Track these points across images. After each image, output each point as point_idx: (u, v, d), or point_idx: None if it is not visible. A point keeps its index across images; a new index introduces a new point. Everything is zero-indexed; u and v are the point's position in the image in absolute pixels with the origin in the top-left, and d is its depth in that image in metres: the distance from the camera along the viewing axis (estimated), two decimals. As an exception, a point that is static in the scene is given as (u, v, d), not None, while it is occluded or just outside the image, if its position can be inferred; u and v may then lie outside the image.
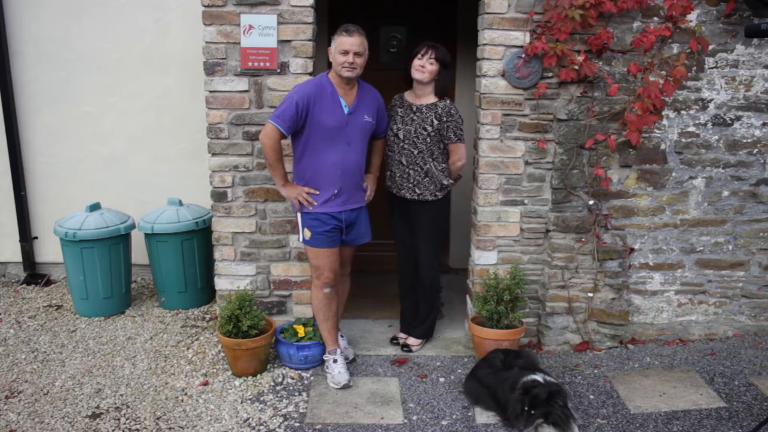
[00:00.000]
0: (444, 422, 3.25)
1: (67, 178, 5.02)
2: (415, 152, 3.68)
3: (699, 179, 3.99)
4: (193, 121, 4.76)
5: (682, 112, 3.91)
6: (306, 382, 3.63)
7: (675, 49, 3.78)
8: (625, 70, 3.73)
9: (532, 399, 3.03)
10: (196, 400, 3.42)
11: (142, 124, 4.93)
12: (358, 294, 4.43)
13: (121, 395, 3.46)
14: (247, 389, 3.54)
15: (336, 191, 3.49)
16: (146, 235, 4.54)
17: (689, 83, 3.85)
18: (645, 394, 3.50)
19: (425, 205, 3.75)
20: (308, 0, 3.62)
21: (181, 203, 4.63)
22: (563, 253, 3.91)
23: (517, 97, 3.75)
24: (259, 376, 3.67)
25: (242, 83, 3.71)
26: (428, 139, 3.66)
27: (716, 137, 3.95)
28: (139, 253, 4.80)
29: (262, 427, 3.18)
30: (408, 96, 3.77)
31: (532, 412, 3.02)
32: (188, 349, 4.01)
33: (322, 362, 3.71)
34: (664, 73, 3.71)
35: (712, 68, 3.86)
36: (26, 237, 5.08)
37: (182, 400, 3.42)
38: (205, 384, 3.59)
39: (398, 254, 4.01)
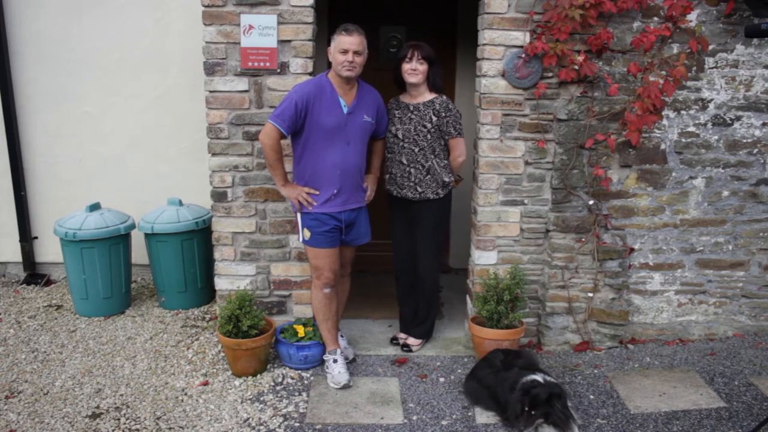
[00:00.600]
0: (444, 422, 3.25)
1: (67, 178, 5.03)
2: (416, 150, 3.68)
3: (699, 179, 3.99)
4: (193, 121, 4.76)
5: (682, 112, 3.91)
6: (306, 382, 3.63)
7: (675, 49, 3.78)
8: (625, 70, 3.73)
9: (532, 399, 3.03)
10: (196, 400, 3.42)
11: (142, 124, 4.93)
12: (358, 294, 4.44)
13: (121, 395, 3.47)
14: (247, 389, 3.54)
15: (336, 191, 3.49)
16: (146, 235, 4.54)
17: (689, 83, 3.85)
18: (645, 394, 3.50)
19: (427, 204, 3.75)
20: (308, 0, 3.62)
21: (181, 203, 4.63)
22: (563, 253, 3.91)
23: (517, 97, 3.75)
24: (259, 376, 3.67)
25: (242, 83, 3.71)
26: (428, 136, 3.66)
27: (716, 137, 3.95)
28: (139, 253, 4.80)
29: (262, 427, 3.18)
30: (404, 97, 3.77)
31: (532, 412, 3.02)
32: (188, 349, 4.01)
33: (322, 362, 3.72)
34: (664, 73, 3.71)
35: (712, 68, 3.86)
36: (26, 237, 5.08)
37: (182, 400, 3.42)
38: (205, 384, 3.59)
39: (396, 256, 4.00)
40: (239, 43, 3.65)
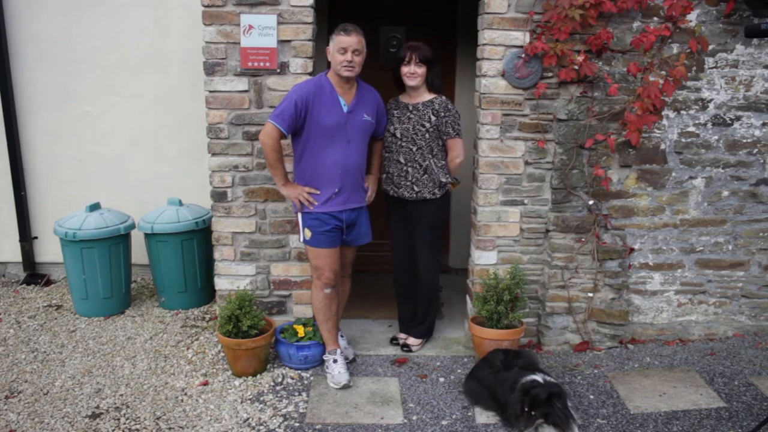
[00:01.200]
0: (444, 422, 3.25)
1: (67, 178, 5.03)
2: (414, 149, 3.68)
3: (699, 179, 3.99)
4: (193, 121, 4.76)
5: (682, 112, 3.91)
6: (306, 382, 3.63)
7: (675, 49, 3.78)
8: (625, 70, 3.73)
9: (532, 399, 3.03)
10: (196, 400, 3.42)
11: (142, 124, 4.93)
12: (358, 294, 4.43)
13: (121, 395, 3.47)
14: (247, 389, 3.54)
15: (336, 190, 3.49)
16: (146, 235, 4.54)
17: (689, 83, 3.85)
18: (645, 394, 3.50)
19: (424, 204, 3.75)
20: (308, 0, 3.62)
21: (181, 203, 4.63)
22: (563, 253, 3.91)
23: (517, 97, 3.75)
24: (259, 376, 3.67)
25: (242, 83, 3.71)
26: (427, 135, 3.66)
27: (716, 137, 3.95)
28: (139, 253, 4.80)
29: (262, 427, 3.18)
30: (403, 97, 3.78)
31: (532, 412, 3.02)
32: (188, 349, 4.01)
33: (322, 362, 3.71)
34: (664, 73, 3.71)
35: (712, 68, 3.86)
36: (26, 237, 5.08)
37: (182, 400, 3.42)
38: (205, 384, 3.59)
39: (395, 257, 4.00)
40: (239, 43, 3.65)
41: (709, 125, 3.93)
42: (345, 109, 3.45)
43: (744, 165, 3.99)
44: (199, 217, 4.60)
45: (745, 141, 3.96)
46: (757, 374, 3.71)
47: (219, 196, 3.86)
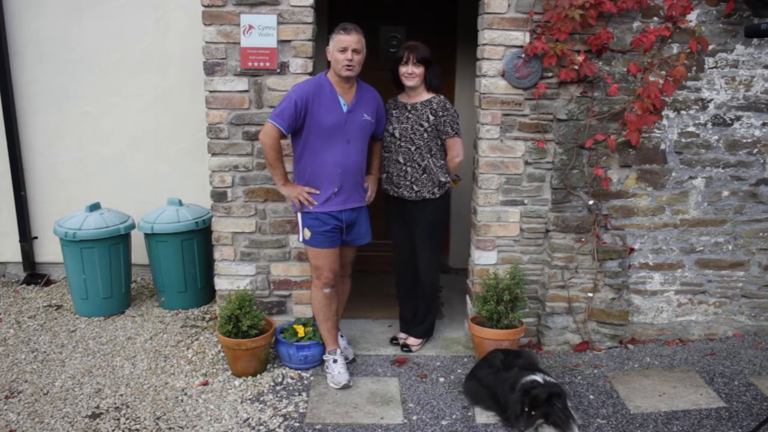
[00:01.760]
0: (444, 422, 3.25)
1: (67, 178, 5.03)
2: (413, 149, 3.68)
3: (699, 179, 3.99)
4: (193, 121, 4.76)
5: (682, 112, 3.91)
6: (306, 382, 3.63)
7: (675, 49, 3.78)
8: (625, 70, 3.73)
9: (532, 399, 3.03)
10: (196, 400, 3.42)
11: (142, 124, 4.93)
12: (358, 294, 4.43)
13: (121, 395, 3.47)
14: (247, 389, 3.54)
15: (336, 190, 3.49)
16: (146, 235, 4.54)
17: (689, 83, 3.85)
18: (645, 394, 3.50)
19: (423, 204, 3.75)
20: (308, 0, 3.62)
21: (181, 203, 4.63)
22: (563, 253, 3.91)
23: (517, 97, 3.75)
24: (259, 376, 3.67)
25: (242, 83, 3.71)
26: (425, 135, 3.66)
27: (716, 137, 3.95)
28: (139, 253, 4.80)
29: (261, 427, 3.18)
30: (401, 97, 3.78)
31: (532, 412, 3.02)
32: (188, 349, 4.01)
33: (322, 362, 3.71)
34: (664, 73, 3.71)
35: (712, 68, 3.86)
36: (26, 237, 5.08)
37: (182, 400, 3.42)
38: (205, 384, 3.59)
39: (396, 256, 4.01)
40: (239, 43, 3.66)
41: (709, 125, 3.93)
42: (345, 108, 3.45)
43: (744, 165, 3.99)
44: (199, 217, 4.60)
45: (745, 141, 3.96)
46: (757, 374, 3.71)
47: (219, 196, 3.86)
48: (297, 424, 3.21)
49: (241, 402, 3.41)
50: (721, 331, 4.18)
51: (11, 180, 4.96)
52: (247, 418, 3.26)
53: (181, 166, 4.95)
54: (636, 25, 3.73)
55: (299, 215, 3.56)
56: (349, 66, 3.35)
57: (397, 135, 3.71)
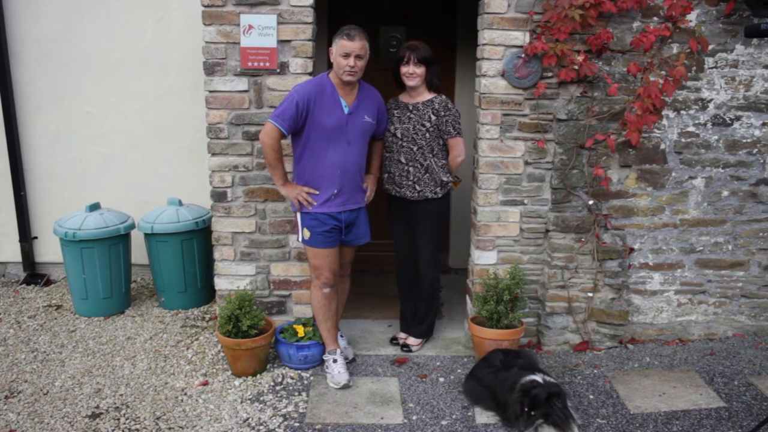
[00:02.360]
0: (444, 422, 3.25)
1: (67, 178, 5.03)
2: (415, 149, 3.68)
3: (699, 179, 3.99)
4: (193, 121, 4.76)
5: (682, 112, 3.91)
6: (306, 382, 3.63)
7: (675, 49, 3.78)
8: (625, 70, 3.73)
9: (532, 400, 3.03)
10: (196, 400, 3.42)
11: (142, 124, 4.93)
12: (358, 294, 4.44)
13: (121, 395, 3.47)
14: (246, 389, 3.54)
15: (336, 191, 3.49)
16: (146, 235, 4.54)
17: (689, 83, 3.85)
18: (645, 394, 3.50)
19: (425, 203, 3.75)
20: (308, 0, 3.62)
21: (180, 203, 4.63)
22: (563, 253, 3.91)
23: (516, 97, 3.75)
24: (258, 376, 3.67)
25: (242, 83, 3.71)
26: (427, 135, 3.66)
27: (716, 137, 3.95)
28: (139, 253, 4.80)
29: (261, 427, 3.18)
30: (403, 97, 3.78)
31: (532, 412, 3.02)
32: (188, 349, 4.01)
33: (322, 362, 3.71)
34: (663, 73, 3.71)
35: (712, 68, 3.86)
36: (26, 237, 5.08)
37: (182, 400, 3.42)
38: (205, 384, 3.59)
39: (397, 255, 4.01)
40: (239, 43, 3.65)
41: (709, 125, 3.93)
42: (346, 110, 3.45)
43: (744, 165, 3.99)
44: (199, 217, 4.60)
45: (745, 141, 3.96)
46: (757, 374, 3.71)
47: (219, 196, 3.86)
48: (297, 424, 3.21)
49: (241, 402, 3.41)
50: (721, 331, 4.18)
51: (11, 180, 4.96)
52: (247, 418, 3.26)
53: (181, 166, 4.95)
54: (636, 25, 3.73)
55: (298, 215, 3.56)
56: (351, 72, 3.35)
57: (399, 135, 3.71)
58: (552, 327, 4.01)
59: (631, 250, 4.03)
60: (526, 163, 3.85)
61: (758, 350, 4.00)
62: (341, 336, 3.87)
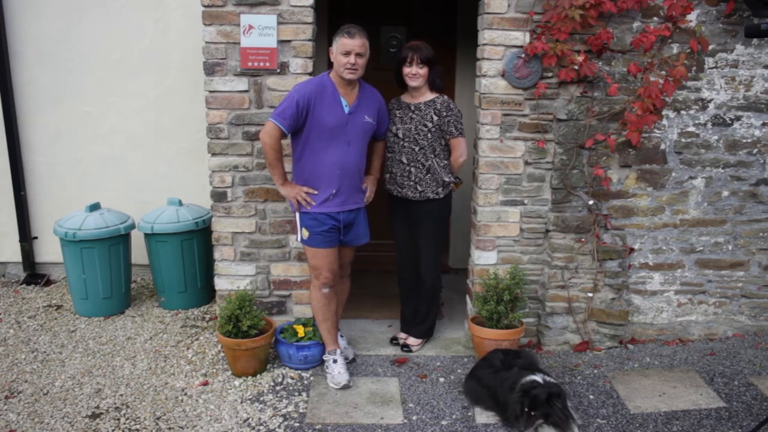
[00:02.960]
0: (444, 422, 3.25)
1: (67, 178, 5.03)
2: (417, 149, 3.68)
3: (699, 179, 3.99)
4: (193, 121, 4.76)
5: (682, 112, 3.91)
6: (306, 382, 3.63)
7: (675, 49, 3.78)
8: (625, 70, 3.73)
9: (532, 400, 3.03)
10: (196, 400, 3.42)
11: (142, 124, 4.93)
12: (358, 294, 4.43)
13: (121, 395, 3.47)
14: (246, 389, 3.54)
15: (334, 191, 3.49)
16: (146, 235, 4.54)
17: (689, 83, 3.85)
18: (645, 394, 3.50)
19: (427, 204, 3.75)
20: (308, 0, 3.62)
21: (180, 203, 4.63)
22: (563, 253, 3.91)
23: (517, 97, 3.75)
24: (258, 376, 3.67)
25: (242, 83, 3.71)
26: (429, 135, 3.66)
27: (716, 137, 3.95)
28: (139, 253, 4.80)
29: (261, 427, 3.18)
30: (405, 97, 3.78)
31: (532, 412, 3.02)
32: (188, 349, 4.01)
33: (322, 362, 3.71)
34: (663, 73, 3.71)
35: (712, 68, 3.86)
36: (26, 237, 5.08)
37: (182, 400, 3.42)
38: (205, 384, 3.59)
39: (398, 256, 4.01)
40: (239, 43, 3.65)
41: (709, 125, 3.93)
42: (346, 110, 3.45)
43: (744, 165, 3.99)
44: (199, 217, 4.60)
45: (745, 141, 3.96)
46: (757, 374, 3.71)
47: (219, 196, 3.86)
48: (297, 424, 3.21)
49: (241, 402, 3.41)
50: (721, 331, 4.18)
51: (11, 180, 4.96)
52: (247, 418, 3.26)
53: (181, 166, 4.95)
54: (636, 25, 3.73)
55: (297, 215, 3.56)
56: (352, 69, 3.36)
57: (401, 135, 3.71)
58: (552, 327, 4.01)
59: (631, 250, 4.02)
60: (526, 163, 3.85)
61: (758, 350, 4.00)
62: (341, 336, 3.87)
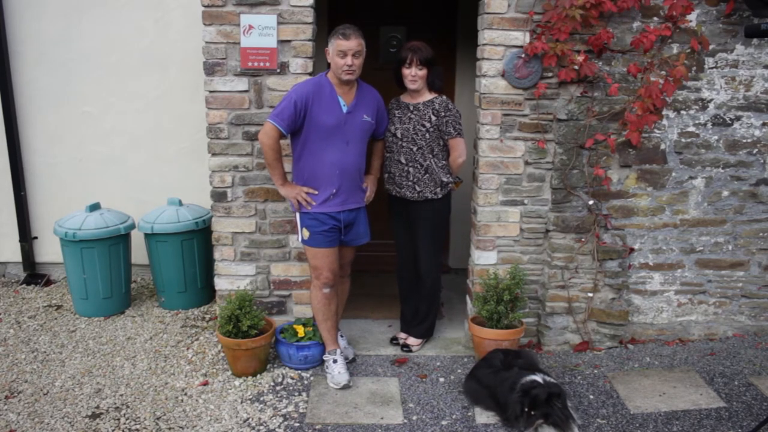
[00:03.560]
0: (444, 422, 3.25)
1: (67, 178, 5.03)
2: (415, 149, 3.68)
3: (699, 179, 3.99)
4: (193, 121, 4.76)
5: (682, 112, 3.91)
6: (306, 382, 3.63)
7: (675, 49, 3.78)
8: (625, 70, 3.73)
9: (532, 400, 3.03)
10: (196, 400, 3.42)
11: (142, 124, 4.93)
12: (358, 294, 4.44)
13: (121, 395, 3.47)
14: (246, 389, 3.54)
15: (334, 191, 3.49)
16: (146, 235, 4.54)
17: (689, 83, 3.85)
18: (645, 394, 3.50)
19: (425, 204, 3.75)
20: (308, 0, 3.62)
21: (181, 203, 4.63)
22: (563, 253, 3.91)
23: (517, 97, 3.75)
24: (258, 376, 3.67)
25: (242, 83, 3.71)
26: (427, 135, 3.66)
27: (716, 137, 3.95)
28: (139, 253, 4.80)
29: (261, 427, 3.18)
30: (404, 97, 3.78)
31: (532, 412, 3.02)
32: (188, 349, 4.01)
33: (322, 362, 3.71)
34: (664, 73, 3.70)
35: (712, 68, 3.86)
36: (26, 237, 5.08)
37: (182, 400, 3.42)
38: (205, 384, 3.59)
39: (398, 256, 4.01)
40: (239, 43, 3.65)
41: (709, 125, 3.93)
42: (344, 109, 3.45)
43: (744, 165, 3.99)
44: (199, 217, 4.60)
45: (745, 141, 3.96)
46: (757, 374, 3.71)
47: (219, 196, 3.86)
48: (297, 424, 3.21)
49: (241, 402, 3.41)
50: (721, 331, 4.18)
51: (11, 180, 4.96)
52: (247, 418, 3.26)
53: (181, 166, 4.95)
54: (636, 25, 3.73)
55: (298, 215, 3.56)
56: (349, 71, 3.35)
57: (399, 135, 3.71)
58: (552, 327, 4.01)
59: (631, 250, 4.02)
60: (526, 163, 3.85)
61: (758, 350, 4.00)
62: (341, 336, 3.87)
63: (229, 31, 3.65)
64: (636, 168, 3.94)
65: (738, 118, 3.93)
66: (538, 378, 3.13)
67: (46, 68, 4.86)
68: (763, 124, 3.95)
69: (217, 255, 3.95)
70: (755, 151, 3.98)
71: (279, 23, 3.63)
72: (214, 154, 3.81)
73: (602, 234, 3.95)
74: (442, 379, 3.68)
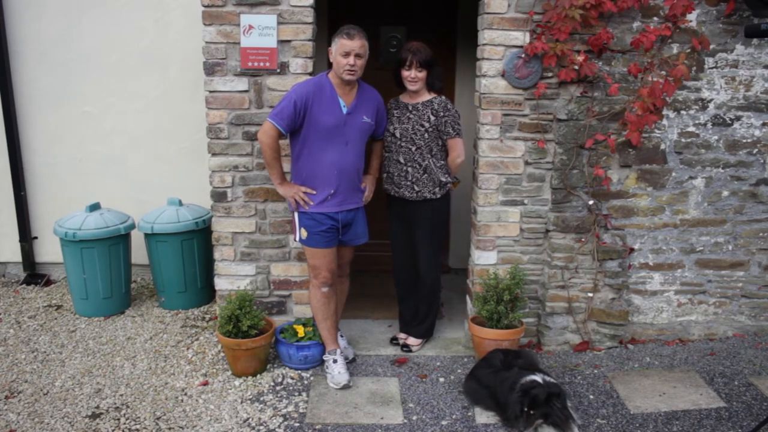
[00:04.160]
0: (444, 422, 3.25)
1: (67, 178, 5.03)
2: (413, 149, 3.68)
3: (699, 179, 3.99)
4: (193, 121, 4.76)
5: (682, 112, 3.91)
6: (306, 382, 3.63)
7: (675, 49, 3.78)
8: (625, 70, 3.73)
9: (532, 400, 3.03)
10: (196, 400, 3.42)
11: (142, 124, 4.93)
12: (358, 294, 4.44)
13: (121, 395, 3.47)
14: (246, 389, 3.54)
15: (332, 191, 3.49)
16: (146, 235, 4.54)
17: (689, 83, 3.85)
18: (645, 394, 3.50)
19: (424, 204, 3.75)
20: (308, 0, 3.62)
21: (181, 203, 4.63)
22: (563, 253, 3.91)
23: (517, 97, 3.75)
24: (258, 376, 3.67)
25: (242, 83, 3.71)
26: (426, 135, 3.66)
27: (716, 137, 3.95)
28: (139, 253, 4.80)
29: (261, 427, 3.18)
30: (403, 97, 3.78)
31: (532, 412, 3.02)
32: (188, 349, 4.01)
33: (322, 362, 3.71)
34: (664, 73, 3.70)
35: (712, 68, 3.86)
36: (26, 237, 5.08)
37: (182, 400, 3.42)
38: (205, 384, 3.59)
39: (395, 256, 4.00)
40: (239, 43, 3.65)
41: (709, 125, 3.93)
42: (344, 110, 3.45)
43: (744, 165, 3.99)
44: (199, 217, 4.60)
45: (745, 141, 3.96)
46: (757, 374, 3.71)
47: (219, 196, 3.86)
48: (297, 424, 3.21)
49: (241, 402, 3.41)
50: (721, 331, 4.18)
51: (11, 180, 4.96)
52: (247, 418, 3.26)
53: (181, 166, 4.95)
54: (636, 25, 3.73)
55: (296, 215, 3.56)
56: (351, 71, 3.35)
57: (398, 135, 3.71)
58: (552, 327, 4.01)
59: (631, 250, 4.02)
60: (526, 163, 3.85)
61: (758, 350, 4.00)
62: (341, 336, 3.87)
63: (229, 31, 3.65)
64: (636, 168, 3.94)
65: (738, 118, 3.93)
66: (537, 378, 3.13)
67: (46, 68, 4.86)
68: (763, 124, 3.95)
69: (217, 255, 3.95)
70: (755, 151, 3.98)
71: (279, 23, 3.63)
72: (214, 154, 3.81)
73: (602, 234, 3.95)
74: (442, 379, 3.68)
